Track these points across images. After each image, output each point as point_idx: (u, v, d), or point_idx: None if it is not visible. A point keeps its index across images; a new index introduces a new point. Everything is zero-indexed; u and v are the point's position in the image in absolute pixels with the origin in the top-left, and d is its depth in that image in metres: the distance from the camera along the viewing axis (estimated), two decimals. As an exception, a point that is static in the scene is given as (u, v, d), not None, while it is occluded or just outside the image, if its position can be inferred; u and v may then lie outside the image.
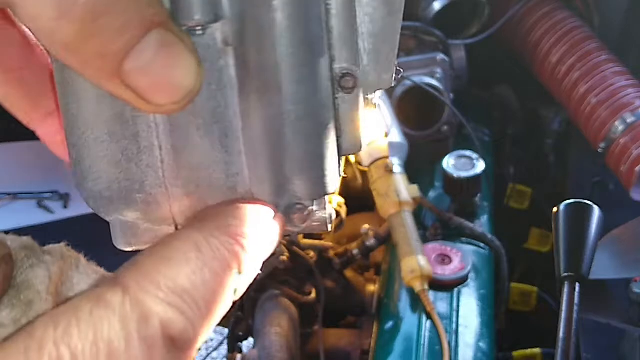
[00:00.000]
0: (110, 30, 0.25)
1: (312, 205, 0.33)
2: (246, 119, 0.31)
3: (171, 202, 0.32)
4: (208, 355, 1.99)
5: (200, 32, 0.29)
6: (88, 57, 0.26)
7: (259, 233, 0.30)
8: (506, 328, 1.26)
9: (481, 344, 1.05)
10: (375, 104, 0.34)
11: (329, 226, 0.34)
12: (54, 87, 0.36)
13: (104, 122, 0.31)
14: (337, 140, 0.33)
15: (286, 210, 0.32)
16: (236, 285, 0.29)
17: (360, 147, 0.33)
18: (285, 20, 0.29)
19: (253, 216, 0.31)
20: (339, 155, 0.33)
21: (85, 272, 0.29)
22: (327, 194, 0.33)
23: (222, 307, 0.28)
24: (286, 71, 0.30)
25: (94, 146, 0.32)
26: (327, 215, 0.34)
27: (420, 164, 1.38)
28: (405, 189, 1.17)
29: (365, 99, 0.33)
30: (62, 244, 0.30)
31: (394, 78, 0.33)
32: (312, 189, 0.32)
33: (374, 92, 0.33)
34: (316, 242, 1.30)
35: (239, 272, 0.29)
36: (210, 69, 0.30)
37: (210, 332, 0.28)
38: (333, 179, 0.33)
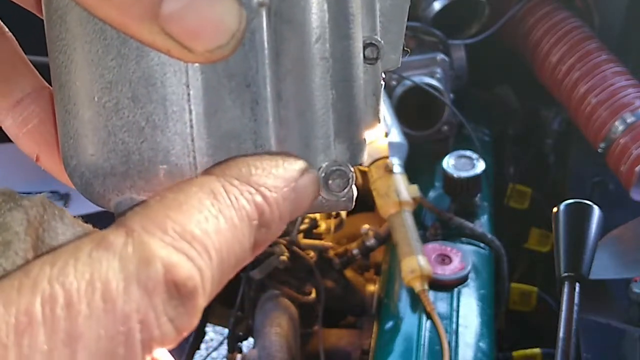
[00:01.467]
0: None
1: (352, 176, 0.31)
2: (278, 85, 0.29)
3: (198, 174, 0.29)
4: (208, 355, 1.99)
5: None
6: (125, 3, 0.24)
7: (288, 187, 0.28)
8: (506, 328, 1.27)
9: (481, 344, 1.05)
10: (382, 85, 0.33)
11: (353, 203, 0.33)
12: (26, 73, 0.34)
13: (128, 85, 0.28)
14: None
15: (325, 176, 0.31)
16: (256, 239, 0.27)
17: (379, 121, 0.33)
18: None
19: (282, 168, 0.29)
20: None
21: (71, 224, 0.27)
22: (363, 162, 0.32)
23: (237, 261, 0.26)
24: (329, 34, 0.29)
25: (111, 113, 0.29)
26: (352, 193, 0.32)
27: (420, 164, 1.38)
28: (405, 189, 1.17)
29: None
30: (43, 194, 0.28)
31: (400, 59, 0.33)
32: (351, 154, 0.31)
33: (382, 72, 0.33)
34: (316, 242, 1.30)
35: (261, 227, 0.27)
36: None
37: (222, 285, 0.26)
38: (365, 149, 0.32)
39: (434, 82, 1.38)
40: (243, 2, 0.27)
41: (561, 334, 0.72)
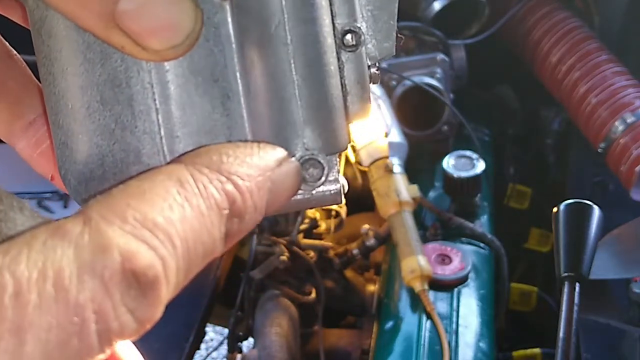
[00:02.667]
0: None
1: (326, 165, 0.31)
2: (247, 78, 0.29)
3: None
4: (208, 355, 1.99)
5: None
6: None
7: (263, 176, 0.27)
8: (506, 328, 1.27)
9: (481, 344, 1.05)
10: (378, 76, 0.33)
11: (342, 197, 0.32)
12: (37, 96, 0.34)
13: (96, 88, 0.29)
14: (345, 102, 0.31)
15: (300, 165, 0.30)
16: (228, 229, 0.26)
17: (368, 112, 0.32)
18: None
19: (257, 156, 0.28)
20: (347, 120, 0.31)
21: (31, 216, 0.27)
22: (340, 150, 0.31)
23: (206, 251, 0.25)
24: (287, 19, 0.29)
25: (84, 118, 0.29)
26: (339, 186, 0.32)
27: (420, 164, 1.38)
28: (405, 189, 1.17)
29: (368, 69, 0.32)
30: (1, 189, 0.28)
31: (394, 47, 0.32)
32: (324, 141, 0.30)
33: (377, 62, 0.32)
34: (316, 242, 1.30)
35: (233, 216, 0.26)
36: (207, 24, 0.28)
37: (190, 276, 0.25)
38: (344, 135, 0.31)
39: (434, 82, 1.38)
40: None
41: (561, 334, 0.72)
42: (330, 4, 0.30)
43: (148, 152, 0.29)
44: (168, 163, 0.28)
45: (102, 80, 0.29)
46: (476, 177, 1.23)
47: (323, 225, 1.34)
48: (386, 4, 0.32)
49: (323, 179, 0.31)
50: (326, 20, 0.30)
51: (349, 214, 1.35)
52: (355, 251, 1.26)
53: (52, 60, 0.30)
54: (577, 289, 0.75)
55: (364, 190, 1.26)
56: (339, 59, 0.31)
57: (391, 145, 1.23)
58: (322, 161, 0.30)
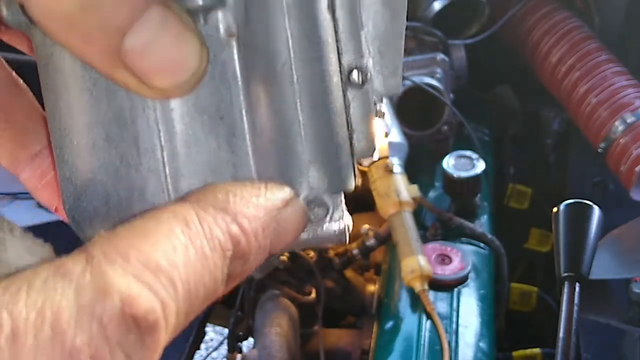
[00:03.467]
0: (111, 3, 0.24)
1: (332, 205, 0.30)
2: (252, 116, 0.29)
3: None
4: (208, 355, 1.99)
5: (202, 20, 0.27)
6: (89, 33, 0.24)
7: (269, 217, 0.27)
8: (506, 328, 1.26)
9: (481, 344, 1.05)
10: (383, 113, 0.32)
11: (347, 237, 0.32)
12: (43, 126, 0.34)
13: (101, 126, 0.29)
14: (350, 140, 0.31)
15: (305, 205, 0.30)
16: (230, 271, 0.26)
17: (374, 150, 0.32)
18: (292, 3, 0.28)
19: (263, 197, 0.27)
20: (353, 158, 0.31)
21: (21, 237, 0.27)
22: (346, 190, 0.31)
23: (207, 293, 0.25)
24: (294, 58, 0.29)
25: (89, 155, 0.29)
26: (344, 226, 0.31)
27: (420, 164, 1.38)
28: (405, 189, 1.17)
29: (375, 105, 0.32)
30: None
31: (401, 83, 0.32)
32: (329, 181, 0.30)
33: (381, 99, 0.32)
34: (316, 242, 1.30)
35: (237, 258, 0.26)
36: (213, 62, 0.28)
37: (190, 318, 0.25)
38: (350, 174, 0.31)
39: (434, 82, 1.37)
40: (211, 34, 0.27)
41: (561, 334, 0.72)
42: (337, 41, 0.30)
43: (152, 191, 0.29)
44: (173, 202, 0.28)
45: (108, 117, 0.29)
46: (476, 177, 1.23)
47: (323, 225, 1.34)
48: (392, 40, 0.31)
49: (328, 218, 0.30)
50: (332, 58, 0.30)
51: (349, 214, 1.35)
52: (355, 251, 1.26)
53: (58, 95, 0.29)
54: (577, 289, 0.75)
55: (364, 190, 1.26)
56: (345, 96, 0.30)
57: (391, 145, 1.23)
58: (327, 201, 0.30)
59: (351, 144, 0.31)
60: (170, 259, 0.24)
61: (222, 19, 0.28)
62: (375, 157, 1.20)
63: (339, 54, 0.30)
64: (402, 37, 0.31)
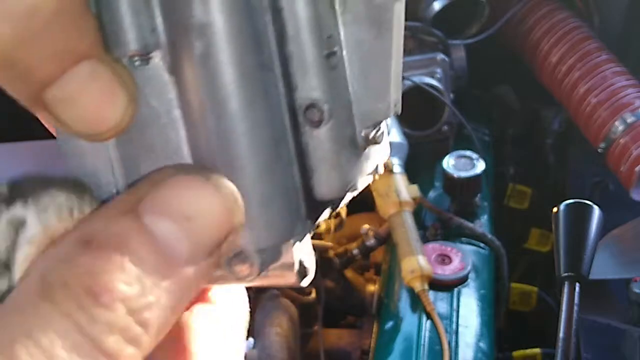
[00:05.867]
0: (37, 58, 0.24)
1: (258, 257, 0.27)
2: (198, 155, 0.27)
3: None
4: (208, 355, 1.99)
5: (139, 62, 0.27)
6: (12, 78, 0.24)
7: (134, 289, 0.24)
8: (506, 328, 1.26)
9: (481, 344, 1.05)
10: (377, 140, 0.30)
11: (303, 279, 0.29)
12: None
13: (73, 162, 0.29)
14: (308, 182, 0.28)
15: (228, 259, 0.27)
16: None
17: (341, 191, 0.29)
18: (223, 46, 0.26)
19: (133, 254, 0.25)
20: (314, 201, 0.29)
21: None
22: (277, 244, 0.28)
23: None
24: (231, 104, 0.26)
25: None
26: (292, 262, 0.28)
27: (420, 164, 1.37)
28: (405, 189, 1.17)
29: (365, 134, 0.29)
30: None
31: (391, 108, 0.29)
32: (257, 236, 0.27)
33: (372, 124, 0.29)
34: (316, 242, 1.30)
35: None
36: (159, 101, 0.27)
37: None
38: (289, 225, 0.28)
39: (434, 82, 1.38)
40: (153, 75, 0.27)
41: (561, 334, 0.72)
42: (289, 76, 0.27)
43: None
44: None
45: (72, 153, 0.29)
46: (476, 177, 1.23)
47: (323, 225, 1.34)
48: (378, 60, 0.28)
49: (255, 273, 0.28)
50: (277, 101, 0.27)
51: (349, 214, 1.35)
52: (355, 251, 1.26)
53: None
54: (577, 289, 0.75)
55: (364, 190, 1.26)
56: (300, 136, 0.28)
57: (391, 145, 1.23)
58: (250, 256, 0.27)
59: (309, 185, 0.28)
60: None
61: (164, 60, 0.27)
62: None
63: (290, 90, 0.27)
64: (391, 57, 0.29)
